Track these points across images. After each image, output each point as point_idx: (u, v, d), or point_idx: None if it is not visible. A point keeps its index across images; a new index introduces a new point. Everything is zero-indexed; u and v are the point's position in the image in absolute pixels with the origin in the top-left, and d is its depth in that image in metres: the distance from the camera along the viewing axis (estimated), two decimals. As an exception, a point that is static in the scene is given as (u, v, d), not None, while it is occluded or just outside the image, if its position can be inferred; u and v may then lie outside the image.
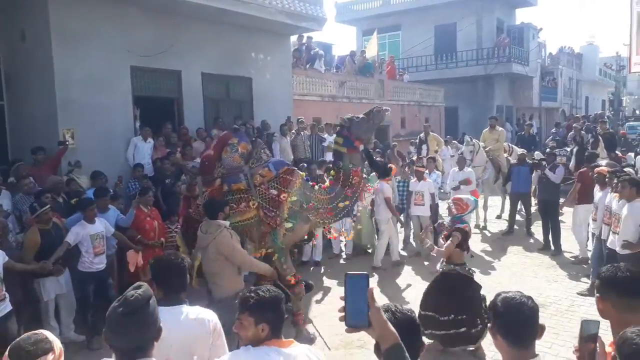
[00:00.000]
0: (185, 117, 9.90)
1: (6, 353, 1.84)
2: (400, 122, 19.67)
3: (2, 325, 4.60)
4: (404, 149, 14.88)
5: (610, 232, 6.21)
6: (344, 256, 9.20)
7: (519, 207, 10.57)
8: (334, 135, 11.45)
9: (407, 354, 1.67)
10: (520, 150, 11.71)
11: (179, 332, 2.58)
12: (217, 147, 5.84)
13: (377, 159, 9.05)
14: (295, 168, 6.16)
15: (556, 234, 8.96)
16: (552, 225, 8.98)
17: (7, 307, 4.69)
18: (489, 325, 2.13)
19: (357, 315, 1.63)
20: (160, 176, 8.19)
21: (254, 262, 5.06)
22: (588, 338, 2.01)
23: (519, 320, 2.01)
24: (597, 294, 2.30)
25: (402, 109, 19.80)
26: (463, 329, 5.05)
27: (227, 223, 4.98)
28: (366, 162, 6.59)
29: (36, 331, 1.94)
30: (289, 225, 5.57)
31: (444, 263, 5.37)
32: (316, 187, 5.98)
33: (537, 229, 10.06)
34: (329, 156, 9.67)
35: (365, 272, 1.67)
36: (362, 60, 18.21)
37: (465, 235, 5.36)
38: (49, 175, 7.23)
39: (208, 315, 2.74)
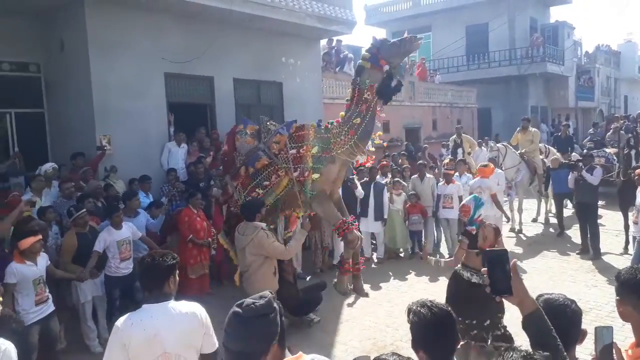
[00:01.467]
0: (218, 122, 10.04)
1: None
2: (431, 124, 19.46)
3: (45, 324, 4.82)
4: (435, 151, 14.72)
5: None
6: (376, 260, 9.15)
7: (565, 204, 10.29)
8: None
9: (546, 318, 1.87)
10: (554, 155, 11.41)
11: (174, 327, 2.68)
12: (229, 140, 6.02)
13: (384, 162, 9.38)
14: (304, 123, 6.34)
15: (595, 237, 8.69)
16: (590, 228, 8.72)
17: (50, 307, 4.91)
18: None
19: (501, 285, 1.87)
20: (193, 180, 8.33)
21: (291, 250, 5.25)
22: (605, 348, 1.96)
23: (560, 323, 1.96)
24: (617, 297, 2.23)
25: (434, 111, 19.58)
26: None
27: (264, 225, 5.09)
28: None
29: None
30: (316, 175, 5.72)
31: (460, 265, 5.05)
32: (329, 125, 6.18)
33: (574, 232, 9.81)
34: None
35: (505, 248, 1.93)
36: (393, 62, 18.10)
37: (474, 237, 5.04)
38: (88, 180, 7.46)
39: (197, 309, 2.83)
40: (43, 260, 4.90)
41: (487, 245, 4.67)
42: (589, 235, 8.75)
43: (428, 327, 1.97)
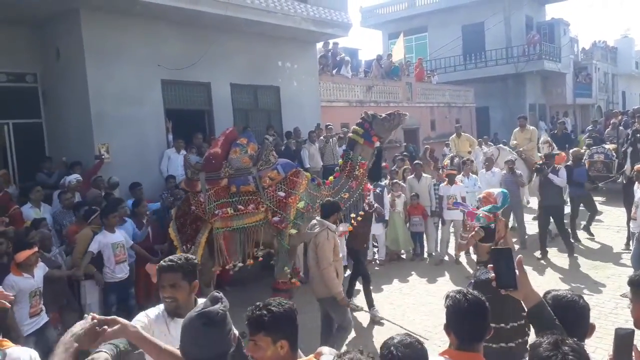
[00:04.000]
0: (216, 128, 10.03)
1: None
2: (430, 124, 19.47)
3: (40, 335, 4.85)
4: (437, 151, 14.69)
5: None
6: (378, 262, 9.12)
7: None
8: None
9: (549, 309, 2.01)
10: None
11: None
12: (225, 145, 5.88)
13: (383, 164, 9.45)
14: (301, 170, 6.29)
15: (565, 234, 8.60)
16: (559, 229, 8.63)
17: (43, 319, 4.94)
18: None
19: (506, 279, 2.03)
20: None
21: (331, 275, 4.79)
22: (625, 348, 1.97)
23: (569, 318, 2.06)
24: (633, 302, 2.21)
25: (432, 111, 19.60)
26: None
27: (334, 227, 4.99)
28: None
29: None
30: (293, 231, 5.63)
31: (477, 266, 5.09)
32: (321, 184, 6.14)
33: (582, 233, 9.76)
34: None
35: (509, 247, 2.04)
36: (389, 64, 18.12)
37: (491, 232, 5.11)
38: (87, 189, 7.44)
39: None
40: (40, 271, 4.90)
41: (499, 237, 4.83)
42: (561, 237, 8.65)
43: (460, 312, 2.14)
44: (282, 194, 5.66)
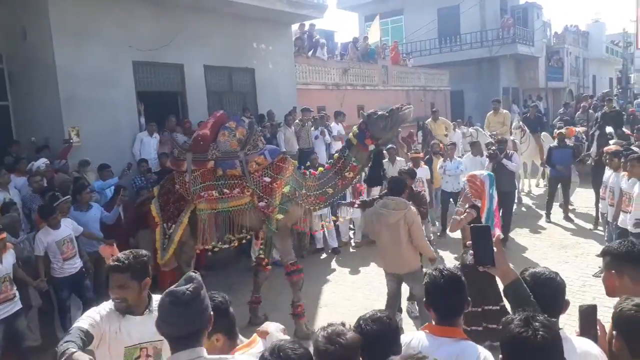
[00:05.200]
0: (189, 111, 9.89)
1: None
2: (405, 107, 19.52)
3: (10, 323, 4.72)
4: (410, 135, 14.77)
5: (621, 212, 6.14)
6: (353, 244, 9.20)
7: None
8: (340, 125, 11.41)
9: (526, 287, 2.07)
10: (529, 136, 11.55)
11: None
12: (214, 128, 5.82)
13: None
14: (288, 156, 6.13)
15: (507, 227, 8.44)
16: (505, 217, 8.23)
17: (16, 305, 4.80)
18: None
19: (484, 256, 2.10)
20: (167, 170, 8.18)
21: (425, 242, 5.22)
22: (589, 323, 2.11)
23: (546, 295, 2.15)
24: (612, 270, 2.29)
25: (407, 95, 19.65)
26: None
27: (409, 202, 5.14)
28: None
29: None
30: (279, 216, 5.55)
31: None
32: (307, 174, 5.94)
33: (544, 208, 9.98)
34: (337, 147, 9.62)
35: (488, 224, 2.16)
36: (365, 46, 18.06)
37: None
38: (55, 173, 7.27)
39: None
40: (9, 257, 4.77)
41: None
42: (502, 223, 8.67)
43: (437, 288, 2.26)
44: (267, 179, 5.58)
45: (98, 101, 8.27)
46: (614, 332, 1.87)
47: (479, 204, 5.23)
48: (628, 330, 1.81)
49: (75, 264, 5.79)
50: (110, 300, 2.56)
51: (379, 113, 5.63)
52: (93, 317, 2.47)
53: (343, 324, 2.00)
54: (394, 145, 10.28)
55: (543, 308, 2.08)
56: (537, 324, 1.69)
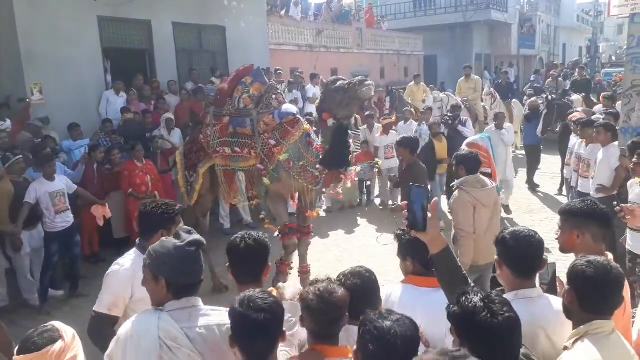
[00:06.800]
0: (158, 69, 9.59)
1: (16, 349, 1.89)
2: (379, 72, 19.42)
3: None
4: (381, 99, 14.74)
5: (579, 177, 6.34)
6: (324, 209, 9.21)
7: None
8: (316, 88, 11.21)
9: (454, 255, 1.99)
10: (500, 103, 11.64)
11: None
12: (232, 82, 5.62)
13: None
14: (301, 119, 5.48)
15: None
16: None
17: None
18: (495, 257, 2.28)
19: (417, 219, 1.92)
20: (133, 131, 7.94)
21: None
22: (550, 282, 2.16)
23: (527, 253, 2.17)
24: (576, 229, 2.34)
25: (382, 59, 19.52)
26: None
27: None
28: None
29: (46, 324, 1.96)
30: (267, 181, 5.17)
31: None
32: (312, 146, 5.22)
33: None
34: (311, 108, 9.48)
35: (425, 186, 1.98)
36: (340, 7, 17.74)
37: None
38: (18, 132, 7.00)
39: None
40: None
41: None
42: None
43: (418, 240, 2.09)
44: (272, 142, 5.17)
45: (62, 58, 7.94)
46: (567, 287, 1.93)
47: (489, 171, 5.11)
48: (579, 285, 1.88)
49: (67, 219, 5.79)
50: (128, 254, 2.67)
51: (338, 83, 4.86)
52: (123, 273, 2.58)
53: (330, 280, 2.07)
54: (371, 112, 10.24)
55: (524, 265, 2.16)
56: (496, 306, 1.60)
